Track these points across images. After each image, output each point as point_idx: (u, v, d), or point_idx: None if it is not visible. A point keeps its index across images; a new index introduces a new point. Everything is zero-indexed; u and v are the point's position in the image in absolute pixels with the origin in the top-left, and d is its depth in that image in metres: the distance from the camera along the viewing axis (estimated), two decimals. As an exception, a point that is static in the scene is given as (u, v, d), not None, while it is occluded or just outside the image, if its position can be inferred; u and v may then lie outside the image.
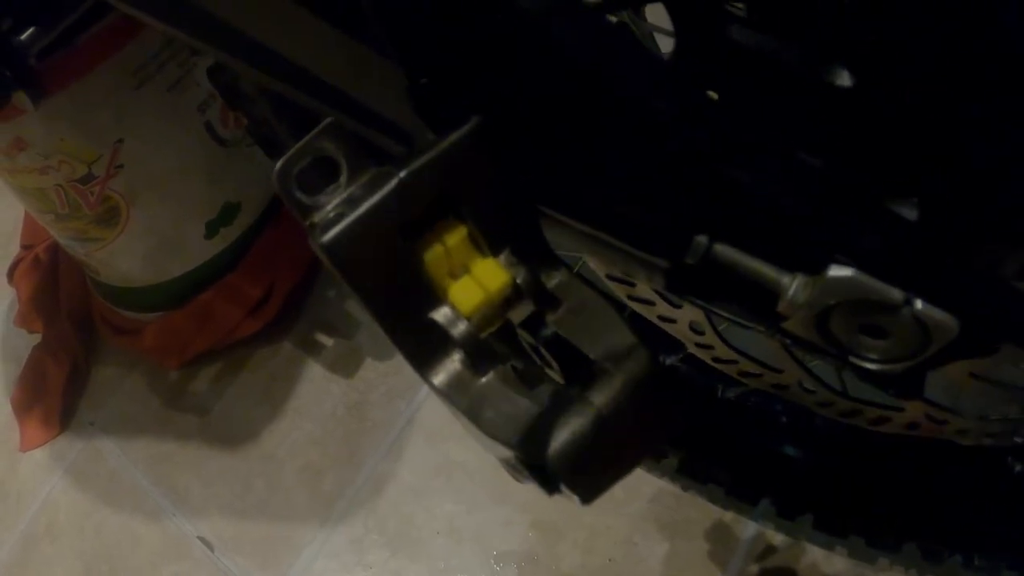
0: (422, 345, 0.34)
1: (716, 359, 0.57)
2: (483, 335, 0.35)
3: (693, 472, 0.80)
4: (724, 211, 0.34)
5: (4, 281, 1.18)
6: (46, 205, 0.92)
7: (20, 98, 0.77)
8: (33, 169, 0.88)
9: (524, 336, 0.36)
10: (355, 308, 1.03)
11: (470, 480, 0.90)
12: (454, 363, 0.34)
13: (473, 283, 0.33)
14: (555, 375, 0.36)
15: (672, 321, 0.55)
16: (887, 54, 0.31)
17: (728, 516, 0.85)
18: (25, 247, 1.14)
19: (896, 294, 0.35)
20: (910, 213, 0.37)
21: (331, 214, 0.33)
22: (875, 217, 0.36)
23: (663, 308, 0.53)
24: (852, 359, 0.39)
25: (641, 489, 0.87)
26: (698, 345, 0.56)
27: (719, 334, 0.54)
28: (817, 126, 0.34)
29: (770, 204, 0.34)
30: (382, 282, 0.33)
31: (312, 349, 1.02)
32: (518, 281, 0.33)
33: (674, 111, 0.32)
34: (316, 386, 1.00)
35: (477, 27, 0.32)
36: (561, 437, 0.31)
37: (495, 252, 0.34)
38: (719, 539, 0.86)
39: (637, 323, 0.61)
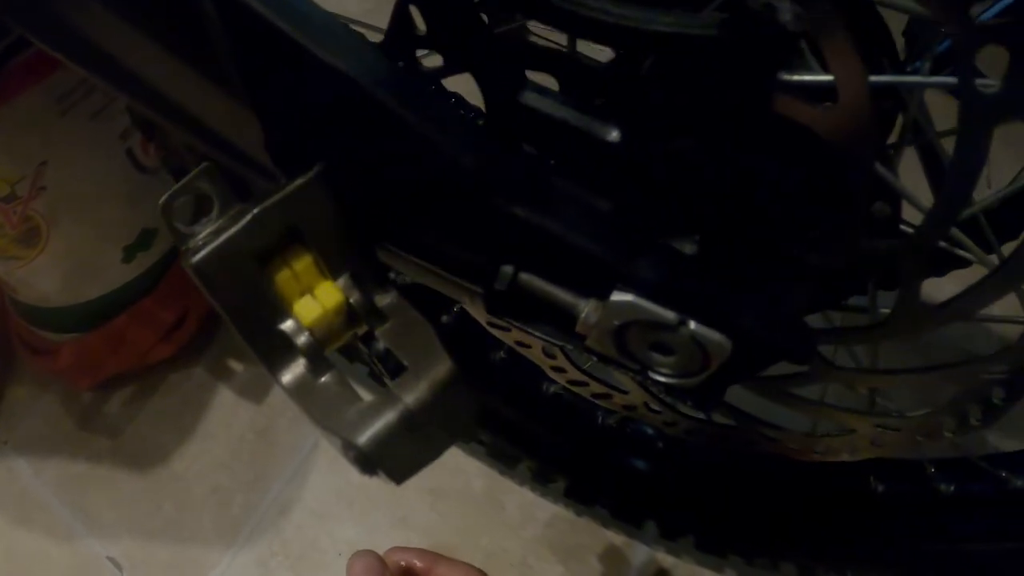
0: (274, 351, 0.44)
1: (571, 382, 0.67)
2: (331, 346, 0.45)
3: (580, 495, 0.90)
4: (527, 245, 0.45)
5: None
6: (-33, 222, 1.01)
7: (-52, 118, 0.86)
8: (-44, 186, 0.97)
9: (363, 348, 0.46)
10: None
11: (371, 504, 0.99)
12: (299, 367, 0.44)
13: (313, 301, 0.43)
14: (389, 382, 0.46)
15: (527, 347, 0.65)
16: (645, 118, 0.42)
17: (620, 540, 0.95)
18: (-56, 265, 1.22)
19: (670, 315, 0.45)
20: (690, 248, 0.47)
21: (200, 242, 0.43)
22: (653, 251, 0.46)
23: (517, 334, 0.63)
24: (650, 373, 0.49)
25: (536, 515, 0.96)
26: (553, 368, 0.66)
27: (568, 357, 0.64)
28: (600, 175, 0.44)
29: (564, 240, 0.45)
30: (239, 297, 0.43)
31: (223, 375, 1.11)
32: (351, 301, 0.43)
33: (480, 164, 0.43)
34: (226, 411, 1.09)
35: (317, 94, 0.42)
36: (375, 427, 0.41)
37: (335, 276, 0.44)
38: (611, 563, 0.95)
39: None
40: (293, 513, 1.00)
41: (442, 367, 0.42)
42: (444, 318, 0.81)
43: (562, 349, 0.63)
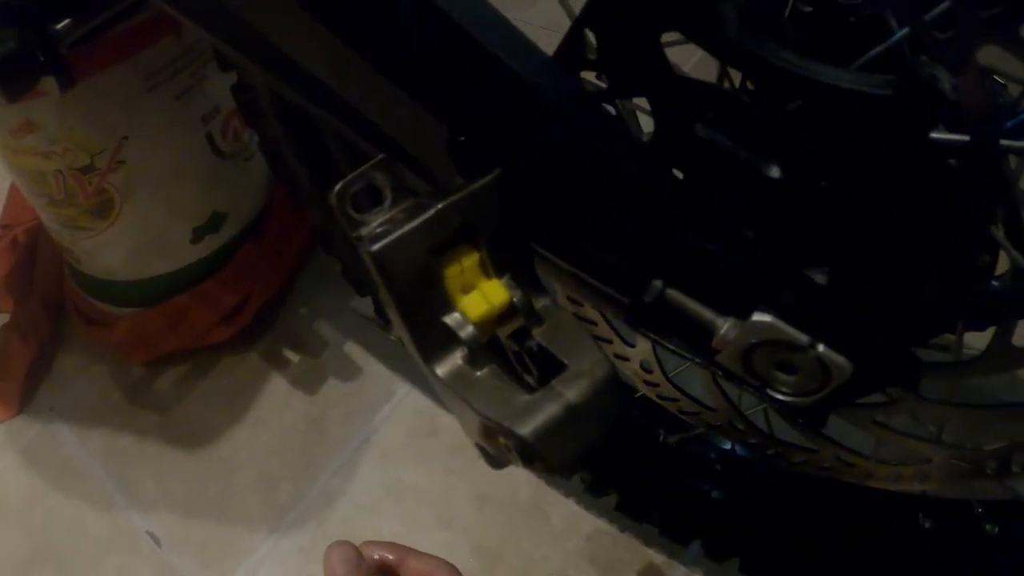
0: (432, 341, 0.48)
1: (660, 396, 0.71)
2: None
3: (630, 511, 0.93)
4: (680, 263, 0.49)
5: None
6: (43, 188, 1.04)
7: (47, 83, 0.89)
8: (37, 152, 1.00)
9: (510, 345, 0.49)
10: (324, 327, 1.16)
11: (418, 503, 1.02)
12: (456, 359, 0.48)
13: (481, 297, 0.47)
14: (530, 379, 0.50)
15: (626, 359, 0.68)
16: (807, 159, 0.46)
17: (659, 559, 0.98)
18: (4, 227, 1.25)
19: (803, 338, 0.49)
20: (821, 278, 0.51)
21: (377, 230, 0.47)
22: (792, 279, 0.50)
23: (619, 347, 0.67)
24: (769, 391, 0.53)
25: (580, 527, 1.00)
26: (646, 382, 0.70)
27: (664, 372, 0.68)
28: (754, 206, 0.48)
29: (713, 262, 0.48)
30: (410, 287, 0.46)
31: (278, 363, 1.15)
32: (515, 300, 0.47)
33: (645, 183, 0.47)
34: (278, 399, 1.12)
35: (504, 102, 0.46)
36: (539, 418, 0.44)
37: (498, 275, 0.48)
38: (649, 580, 0.98)
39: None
40: (339, 505, 1.03)
41: (603, 367, 0.45)
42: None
43: (660, 365, 0.67)
